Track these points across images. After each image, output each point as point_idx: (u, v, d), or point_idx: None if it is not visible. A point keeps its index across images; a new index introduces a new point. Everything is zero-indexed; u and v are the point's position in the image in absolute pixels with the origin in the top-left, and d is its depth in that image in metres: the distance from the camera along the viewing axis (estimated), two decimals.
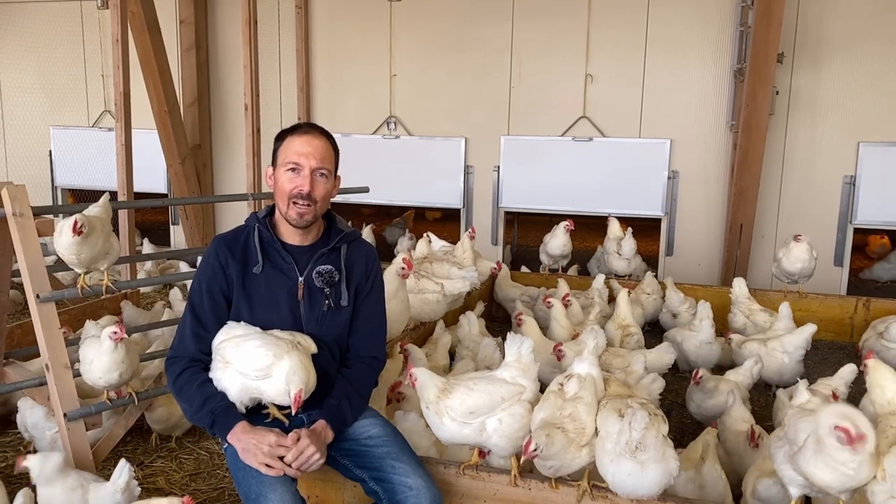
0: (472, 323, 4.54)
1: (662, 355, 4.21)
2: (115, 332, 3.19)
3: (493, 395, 2.47)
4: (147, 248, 7.39)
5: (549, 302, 4.66)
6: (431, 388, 2.51)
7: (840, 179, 6.53)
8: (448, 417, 2.46)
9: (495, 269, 5.65)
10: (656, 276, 5.93)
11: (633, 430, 2.29)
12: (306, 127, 2.48)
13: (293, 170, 2.40)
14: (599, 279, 5.48)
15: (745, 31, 6.35)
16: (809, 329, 4.35)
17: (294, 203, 2.40)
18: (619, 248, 5.99)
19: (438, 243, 5.46)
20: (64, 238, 3.20)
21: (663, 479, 2.32)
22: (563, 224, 6.09)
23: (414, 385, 2.55)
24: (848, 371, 3.73)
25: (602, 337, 3.77)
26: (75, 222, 3.14)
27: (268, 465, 2.21)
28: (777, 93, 6.41)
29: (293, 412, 2.36)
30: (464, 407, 2.45)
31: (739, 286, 5.20)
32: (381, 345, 2.66)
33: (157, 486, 3.33)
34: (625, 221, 6.50)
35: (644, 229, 7.53)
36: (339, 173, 2.55)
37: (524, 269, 6.45)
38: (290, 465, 2.22)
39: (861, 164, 6.43)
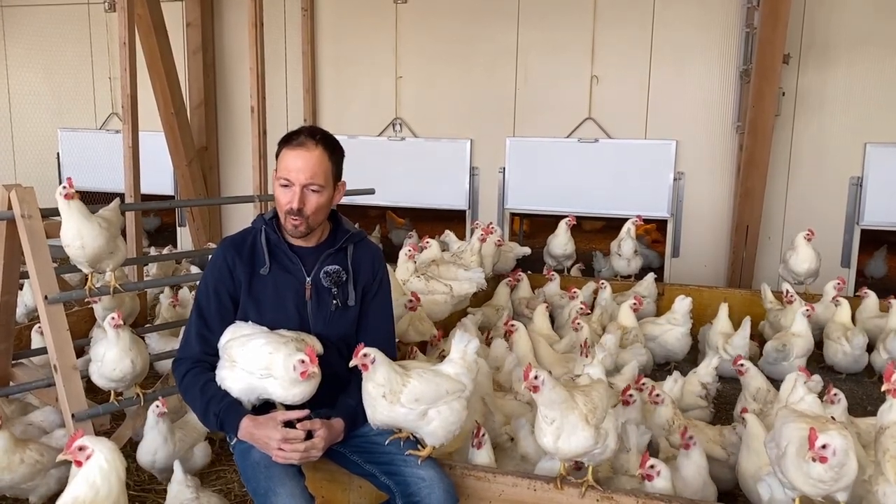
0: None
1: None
2: (113, 318, 3.25)
3: (440, 386, 2.44)
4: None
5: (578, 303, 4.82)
6: (395, 375, 2.40)
7: (847, 180, 6.51)
8: (399, 403, 2.38)
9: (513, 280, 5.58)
10: (659, 279, 5.90)
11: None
12: (302, 137, 2.43)
13: (285, 185, 2.42)
14: (589, 287, 5.55)
15: (751, 32, 6.34)
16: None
17: (288, 215, 2.44)
18: (619, 249, 5.96)
19: (456, 243, 5.55)
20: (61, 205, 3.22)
21: None
22: (564, 220, 6.06)
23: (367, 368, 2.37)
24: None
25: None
26: (63, 187, 3.19)
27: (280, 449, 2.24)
28: (783, 94, 6.40)
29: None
30: (413, 394, 2.38)
31: (766, 291, 5.28)
32: (392, 344, 2.68)
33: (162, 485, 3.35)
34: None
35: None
36: (344, 177, 2.53)
37: (529, 272, 6.42)
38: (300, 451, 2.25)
39: (868, 165, 6.41)
